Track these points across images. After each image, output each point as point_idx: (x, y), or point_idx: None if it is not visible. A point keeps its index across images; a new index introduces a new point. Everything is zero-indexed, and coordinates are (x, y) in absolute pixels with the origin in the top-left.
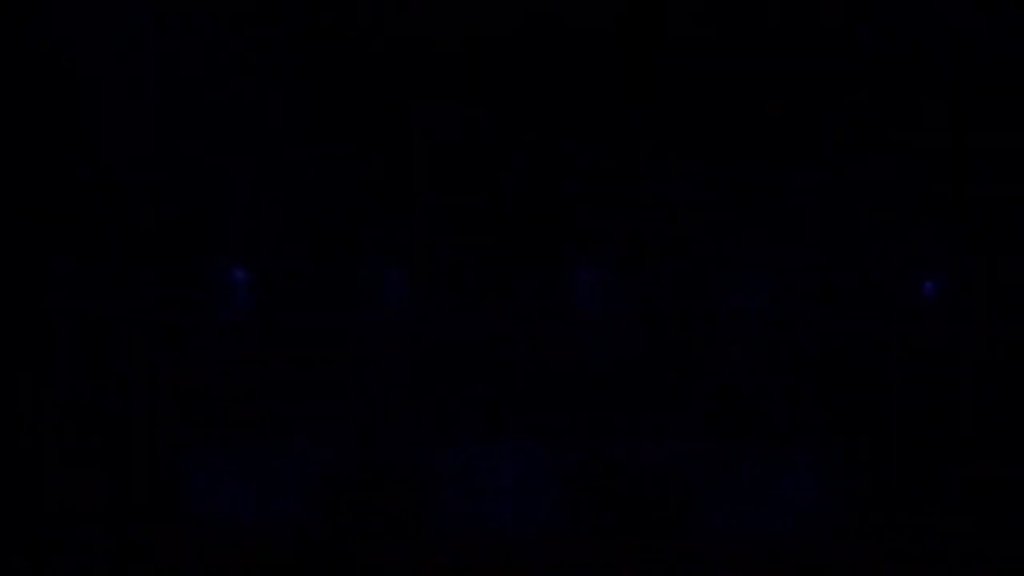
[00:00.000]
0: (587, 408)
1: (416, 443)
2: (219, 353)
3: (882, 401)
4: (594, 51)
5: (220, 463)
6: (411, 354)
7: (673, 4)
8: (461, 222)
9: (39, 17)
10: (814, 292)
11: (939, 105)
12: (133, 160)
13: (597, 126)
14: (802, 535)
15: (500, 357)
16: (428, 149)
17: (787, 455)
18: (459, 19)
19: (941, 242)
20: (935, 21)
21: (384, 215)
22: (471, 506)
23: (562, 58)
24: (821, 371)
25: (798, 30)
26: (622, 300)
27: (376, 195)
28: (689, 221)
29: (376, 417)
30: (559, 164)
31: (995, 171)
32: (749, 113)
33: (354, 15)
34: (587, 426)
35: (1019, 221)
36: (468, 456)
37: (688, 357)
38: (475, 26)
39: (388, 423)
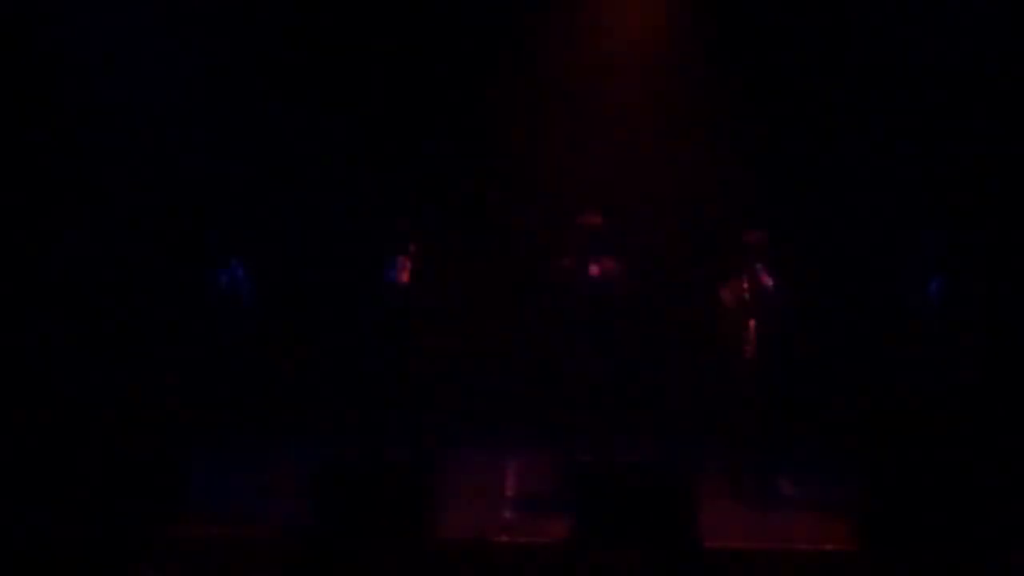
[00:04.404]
0: (591, 410)
1: (417, 444)
2: (219, 351)
3: (887, 400)
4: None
5: (219, 462)
6: (413, 352)
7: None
8: (463, 219)
9: (36, 15)
10: (818, 292)
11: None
12: (131, 158)
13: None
14: (809, 537)
15: (502, 356)
16: (431, 147)
17: (791, 457)
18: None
19: (946, 241)
20: (937, 22)
21: (385, 213)
22: (472, 507)
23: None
24: (823, 372)
25: (800, 32)
26: (625, 300)
27: (377, 192)
28: (690, 221)
29: (377, 417)
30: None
31: (998, 172)
32: (750, 114)
33: (354, 12)
34: (590, 428)
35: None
36: (471, 457)
37: (691, 358)
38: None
39: (389, 423)
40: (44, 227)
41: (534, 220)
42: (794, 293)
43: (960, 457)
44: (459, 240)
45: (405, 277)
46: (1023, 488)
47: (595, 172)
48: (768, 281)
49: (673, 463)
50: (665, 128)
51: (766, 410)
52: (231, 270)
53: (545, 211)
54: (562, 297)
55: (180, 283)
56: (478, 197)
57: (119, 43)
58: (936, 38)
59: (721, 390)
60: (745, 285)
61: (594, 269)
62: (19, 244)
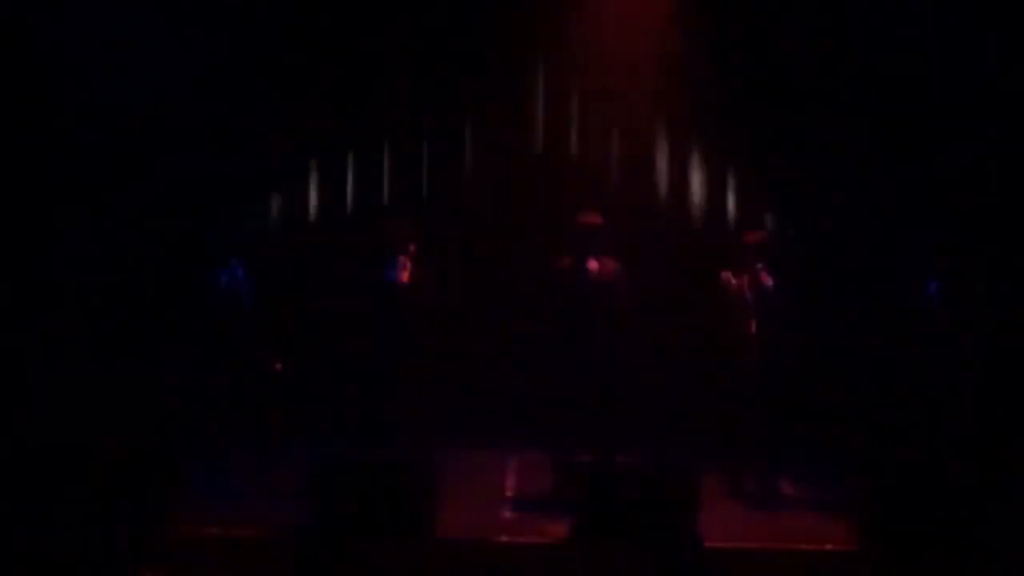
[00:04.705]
0: (591, 410)
1: (417, 444)
2: (219, 351)
3: (887, 400)
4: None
5: (219, 462)
6: (413, 352)
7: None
8: (463, 219)
9: (36, 15)
10: (818, 292)
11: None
12: (132, 158)
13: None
14: (809, 537)
15: (502, 356)
16: (431, 147)
17: (791, 457)
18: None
19: (946, 241)
20: (938, 22)
21: (385, 212)
22: (472, 507)
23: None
24: (824, 372)
25: (800, 32)
26: (625, 300)
27: (376, 192)
28: (691, 221)
29: (377, 417)
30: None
31: (998, 172)
32: (750, 114)
33: (354, 12)
34: (591, 428)
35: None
36: (471, 457)
37: (691, 358)
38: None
39: (389, 423)
40: (44, 227)
41: (534, 220)
42: (794, 293)
43: (960, 457)
44: (459, 240)
45: (405, 277)
46: (1023, 488)
47: (595, 172)
48: (768, 281)
49: (673, 463)
50: (665, 128)
51: (767, 410)
52: (231, 270)
53: (545, 211)
54: (562, 297)
55: (180, 283)
56: (478, 197)
57: (119, 43)
58: (936, 38)
59: (721, 390)
60: (746, 284)
61: (594, 268)
62: (19, 244)
